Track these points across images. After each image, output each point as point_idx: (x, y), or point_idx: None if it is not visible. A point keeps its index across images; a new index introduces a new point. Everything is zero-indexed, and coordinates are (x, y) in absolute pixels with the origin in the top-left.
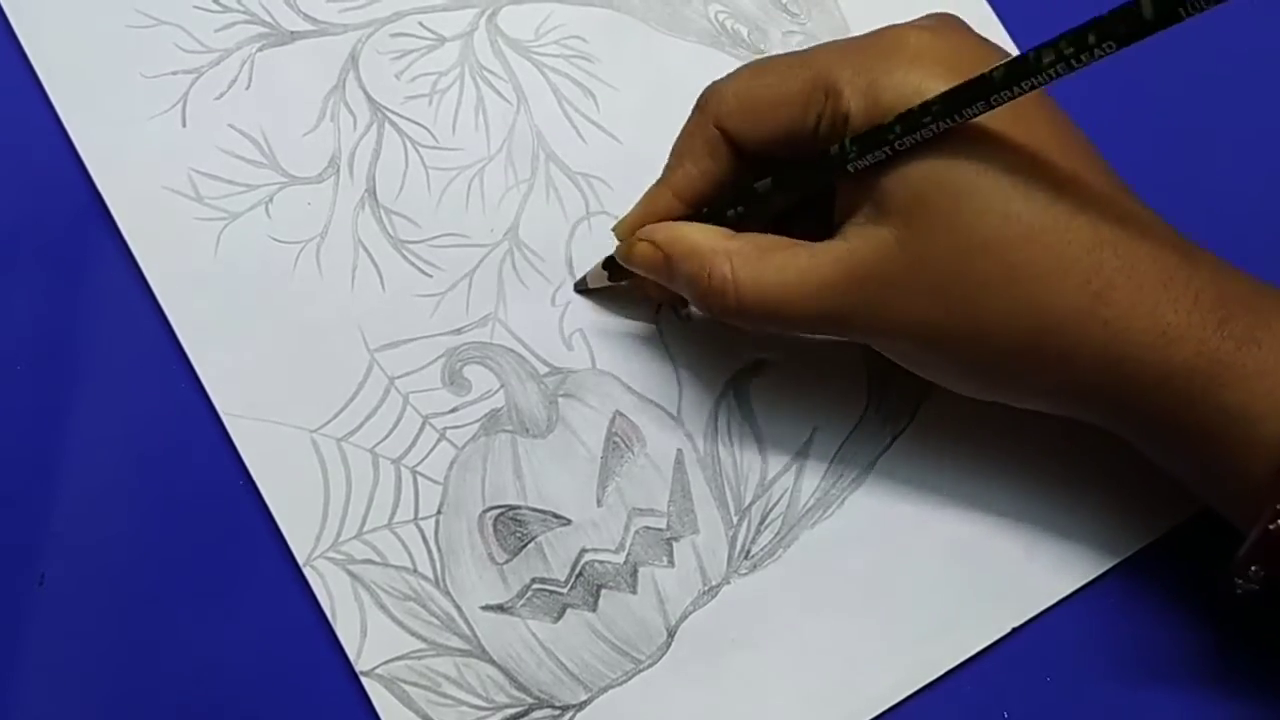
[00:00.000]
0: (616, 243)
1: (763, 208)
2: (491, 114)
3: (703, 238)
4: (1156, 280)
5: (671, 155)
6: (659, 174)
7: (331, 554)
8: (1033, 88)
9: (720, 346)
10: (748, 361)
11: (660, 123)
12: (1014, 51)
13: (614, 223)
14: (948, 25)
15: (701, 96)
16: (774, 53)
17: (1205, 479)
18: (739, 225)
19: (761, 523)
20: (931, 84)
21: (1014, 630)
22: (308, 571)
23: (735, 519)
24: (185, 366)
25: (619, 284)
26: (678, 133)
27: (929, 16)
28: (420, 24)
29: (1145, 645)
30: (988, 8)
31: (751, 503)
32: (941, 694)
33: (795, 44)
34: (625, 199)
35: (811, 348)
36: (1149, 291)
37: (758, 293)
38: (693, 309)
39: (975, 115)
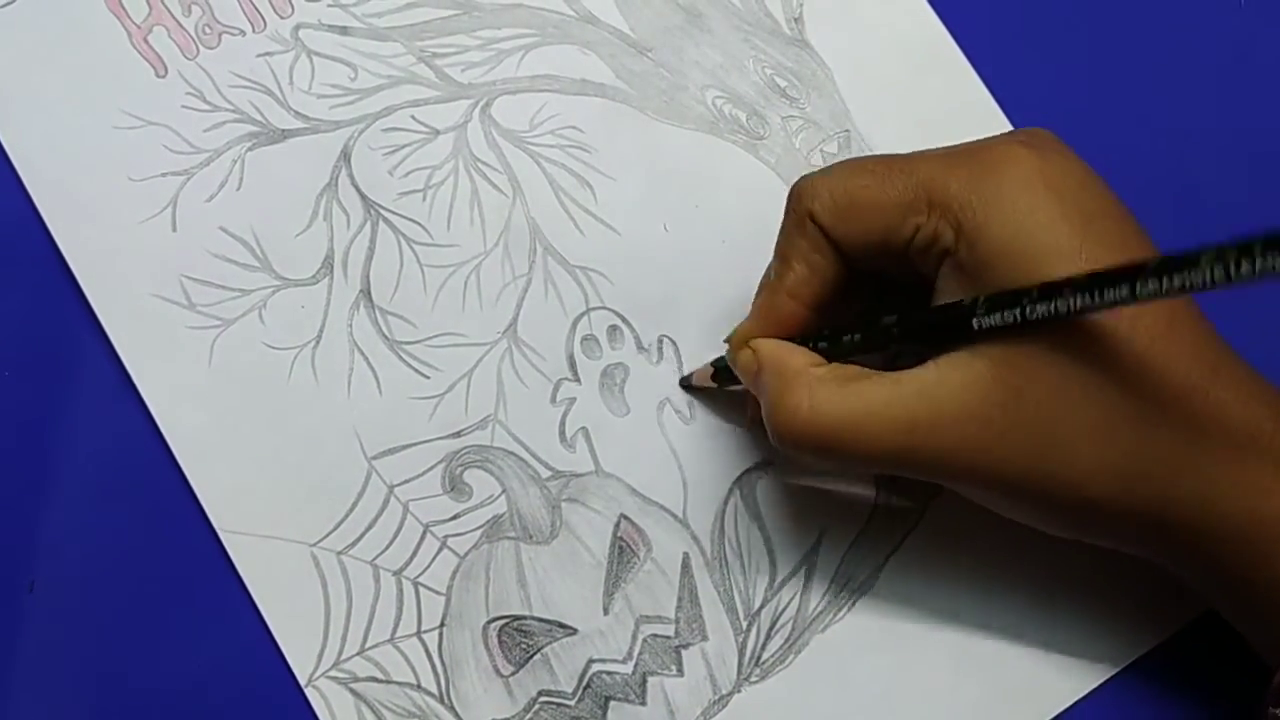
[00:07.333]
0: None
1: (881, 343)
2: (487, 207)
3: (793, 358)
4: (1244, 430)
5: (776, 258)
6: (658, 265)
7: (334, 673)
8: (1184, 292)
9: (726, 446)
10: (754, 461)
11: (659, 212)
12: None
13: (726, 334)
14: (1047, 144)
15: (792, 194)
16: (774, 138)
17: (1272, 634)
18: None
19: (772, 628)
20: (1042, 210)
21: None
22: (310, 692)
23: (745, 624)
24: (180, 478)
25: (723, 388)
26: (776, 234)
27: (1023, 132)
28: (413, 117)
29: None
30: (964, 60)
31: (761, 607)
32: None
33: (795, 129)
34: (624, 292)
35: None
36: (1237, 441)
37: (833, 420)
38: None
39: (1118, 305)
